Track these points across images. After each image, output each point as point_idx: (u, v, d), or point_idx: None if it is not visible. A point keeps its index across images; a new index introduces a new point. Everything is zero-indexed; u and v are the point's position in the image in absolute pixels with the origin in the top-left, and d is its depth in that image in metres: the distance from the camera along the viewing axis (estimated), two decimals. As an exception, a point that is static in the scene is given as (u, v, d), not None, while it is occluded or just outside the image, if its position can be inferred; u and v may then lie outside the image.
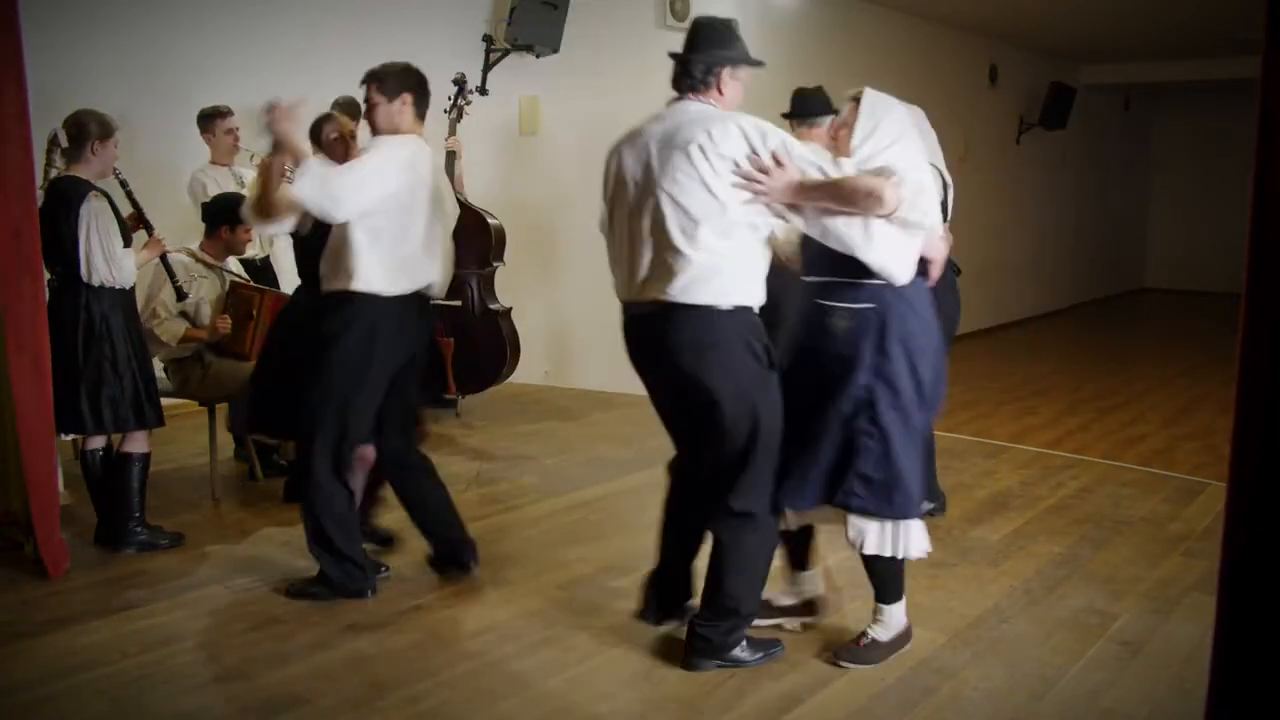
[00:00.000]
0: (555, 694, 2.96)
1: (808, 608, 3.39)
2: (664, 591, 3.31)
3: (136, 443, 3.98)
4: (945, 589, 3.66)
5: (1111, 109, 16.37)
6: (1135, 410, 8.29)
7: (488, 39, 7.16)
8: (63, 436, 4.01)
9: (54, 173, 3.95)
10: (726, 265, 2.89)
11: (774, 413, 2.98)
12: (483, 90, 6.95)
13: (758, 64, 3.04)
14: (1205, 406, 8.36)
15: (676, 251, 2.88)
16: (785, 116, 4.04)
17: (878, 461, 2.95)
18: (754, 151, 2.85)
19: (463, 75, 4.93)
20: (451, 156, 4.74)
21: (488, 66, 7.16)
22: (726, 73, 2.95)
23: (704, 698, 2.94)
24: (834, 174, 2.85)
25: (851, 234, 2.85)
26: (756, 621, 3.19)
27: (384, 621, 3.40)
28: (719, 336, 2.88)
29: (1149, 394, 9.02)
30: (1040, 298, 14.85)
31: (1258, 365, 1.58)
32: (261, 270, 5.22)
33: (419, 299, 3.52)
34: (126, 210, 4.10)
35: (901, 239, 2.87)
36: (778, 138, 2.87)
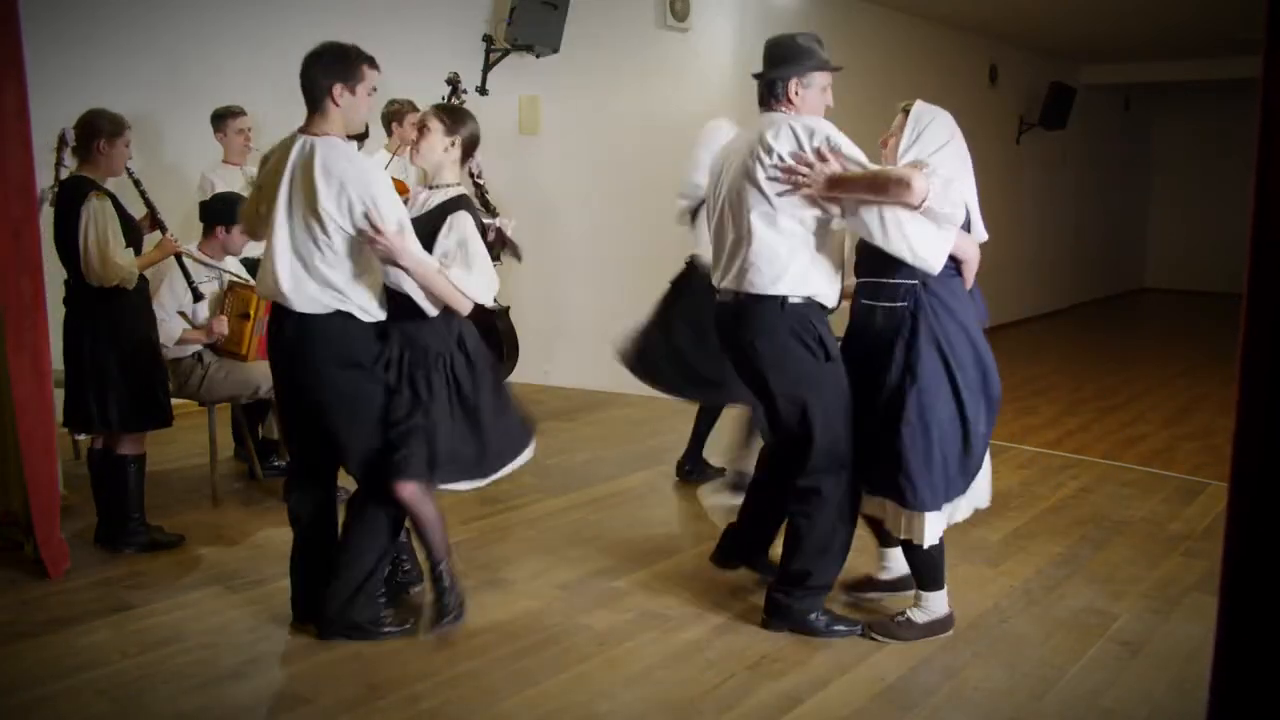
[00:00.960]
0: (555, 694, 2.96)
1: (900, 583, 3.51)
2: (734, 543, 3.63)
3: (131, 444, 3.98)
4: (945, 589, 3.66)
5: (1111, 109, 16.36)
6: (1135, 410, 8.30)
7: (488, 39, 7.16)
8: (78, 437, 4.02)
9: (64, 173, 3.94)
10: (779, 259, 3.13)
11: (829, 396, 3.18)
12: (483, 90, 6.95)
13: (827, 69, 3.22)
14: (1205, 406, 8.37)
15: (738, 246, 3.19)
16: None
17: (901, 452, 3.09)
18: (800, 148, 3.07)
19: (455, 75, 4.92)
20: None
21: (488, 66, 7.16)
22: (793, 84, 3.18)
23: (704, 697, 2.94)
24: (871, 168, 3.05)
25: (871, 224, 3.04)
26: (861, 595, 3.53)
27: (384, 621, 3.40)
28: (769, 324, 3.17)
29: (1149, 394, 9.02)
30: (1040, 298, 14.85)
31: (1258, 365, 1.58)
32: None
33: (294, 316, 3.09)
34: (140, 211, 4.10)
35: (927, 230, 3.01)
36: (823, 135, 3.07)
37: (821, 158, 3.04)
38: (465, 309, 3.12)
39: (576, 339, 7.91)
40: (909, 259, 3.02)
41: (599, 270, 8.06)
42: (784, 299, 3.14)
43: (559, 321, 7.87)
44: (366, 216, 2.95)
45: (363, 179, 2.99)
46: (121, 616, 3.42)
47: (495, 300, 5.85)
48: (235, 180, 5.13)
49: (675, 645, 3.26)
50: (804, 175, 3.05)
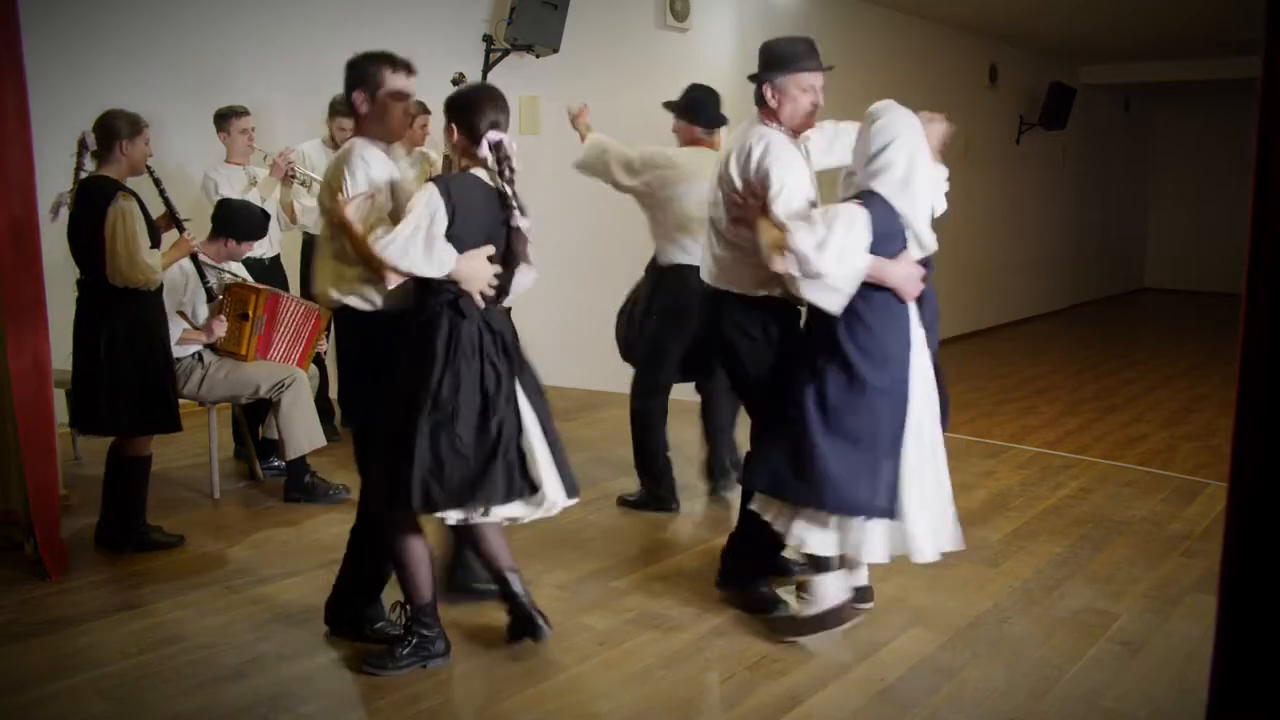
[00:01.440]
0: (555, 694, 2.96)
1: (862, 596, 3.47)
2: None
3: (139, 446, 3.98)
4: (945, 589, 3.66)
5: (1111, 109, 16.37)
6: (1135, 410, 8.29)
7: (488, 39, 7.15)
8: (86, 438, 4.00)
9: (83, 174, 3.91)
10: (725, 261, 3.38)
11: (763, 376, 3.35)
12: (483, 90, 6.95)
13: (805, 70, 3.28)
14: (1205, 406, 8.37)
15: (706, 241, 3.49)
16: (677, 113, 4.47)
17: (790, 448, 3.13)
18: (745, 175, 3.24)
19: (460, 75, 4.92)
20: (449, 159, 4.76)
21: (488, 66, 7.16)
22: (767, 90, 3.29)
23: (704, 697, 2.94)
24: (779, 219, 3.14)
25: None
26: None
27: (384, 621, 3.40)
28: (719, 314, 3.41)
29: (1149, 394, 9.02)
30: (1040, 298, 14.86)
31: (1258, 365, 1.58)
32: (271, 270, 5.22)
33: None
34: (158, 210, 4.09)
35: (812, 283, 3.08)
36: (765, 170, 3.19)
37: (753, 194, 3.18)
38: (387, 279, 2.90)
39: (576, 339, 7.91)
40: (807, 301, 3.12)
41: (599, 270, 8.05)
42: (729, 293, 3.36)
43: (559, 322, 7.87)
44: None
45: (337, 163, 3.02)
46: (121, 616, 3.42)
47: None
48: (239, 179, 5.13)
49: (675, 645, 3.26)
50: (739, 205, 3.25)
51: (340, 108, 5.58)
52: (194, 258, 4.27)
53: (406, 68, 3.08)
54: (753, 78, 3.33)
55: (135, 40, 5.63)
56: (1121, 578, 3.86)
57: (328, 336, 5.06)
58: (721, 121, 4.52)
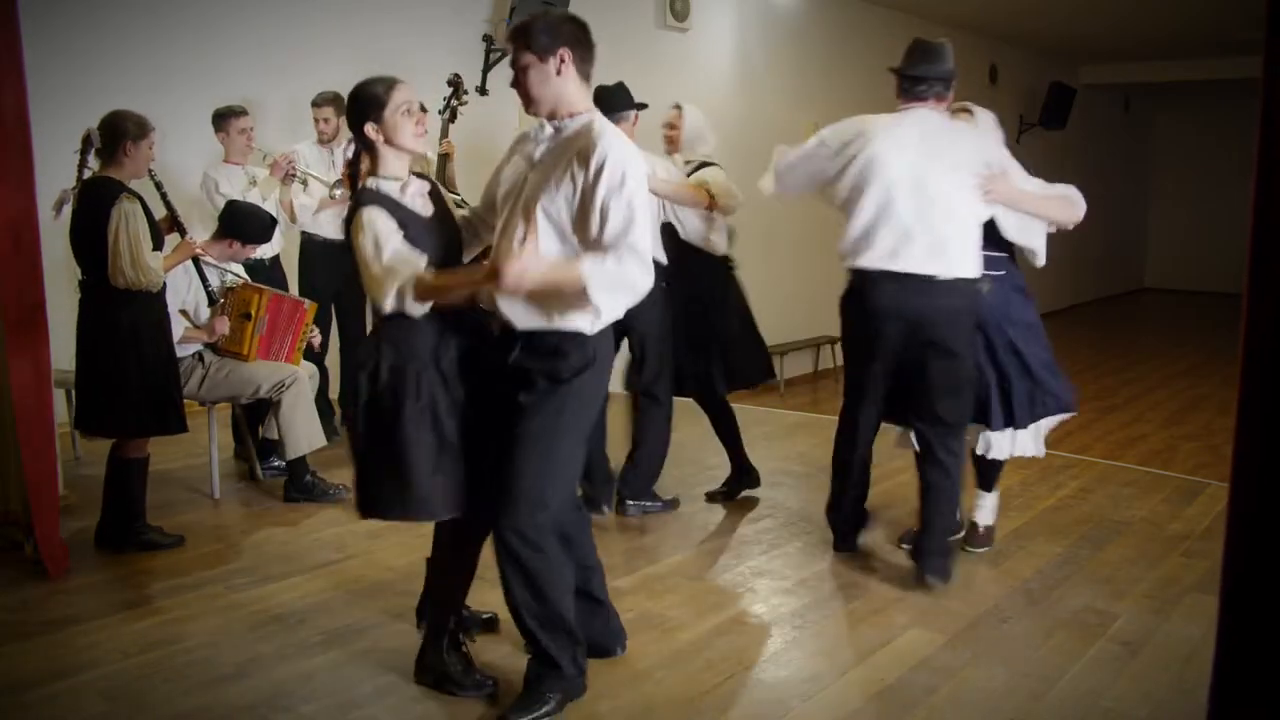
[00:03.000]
0: (555, 694, 2.95)
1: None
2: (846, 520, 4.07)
3: (137, 447, 3.98)
4: (945, 588, 3.66)
5: (1111, 109, 16.36)
6: (1135, 410, 8.27)
7: (488, 39, 7.15)
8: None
9: (87, 173, 3.90)
10: None
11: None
12: (483, 90, 6.94)
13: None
14: (1205, 406, 8.35)
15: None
16: None
17: None
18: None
19: (457, 76, 4.92)
20: (444, 159, 4.73)
21: (488, 66, 7.15)
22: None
23: (704, 697, 2.94)
24: None
25: None
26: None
27: (384, 621, 3.40)
28: None
29: (1149, 394, 9.00)
30: (1040, 298, 14.79)
31: (1259, 365, 1.58)
32: (271, 270, 5.22)
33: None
34: (160, 213, 4.09)
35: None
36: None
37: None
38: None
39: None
40: None
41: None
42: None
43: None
44: None
45: None
46: (121, 616, 3.42)
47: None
48: (238, 179, 5.13)
49: (675, 645, 3.26)
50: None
51: (320, 99, 5.59)
52: (196, 262, 4.27)
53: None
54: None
55: (135, 40, 5.63)
56: (1121, 578, 3.86)
57: (325, 340, 5.07)
58: (618, 108, 4.44)
